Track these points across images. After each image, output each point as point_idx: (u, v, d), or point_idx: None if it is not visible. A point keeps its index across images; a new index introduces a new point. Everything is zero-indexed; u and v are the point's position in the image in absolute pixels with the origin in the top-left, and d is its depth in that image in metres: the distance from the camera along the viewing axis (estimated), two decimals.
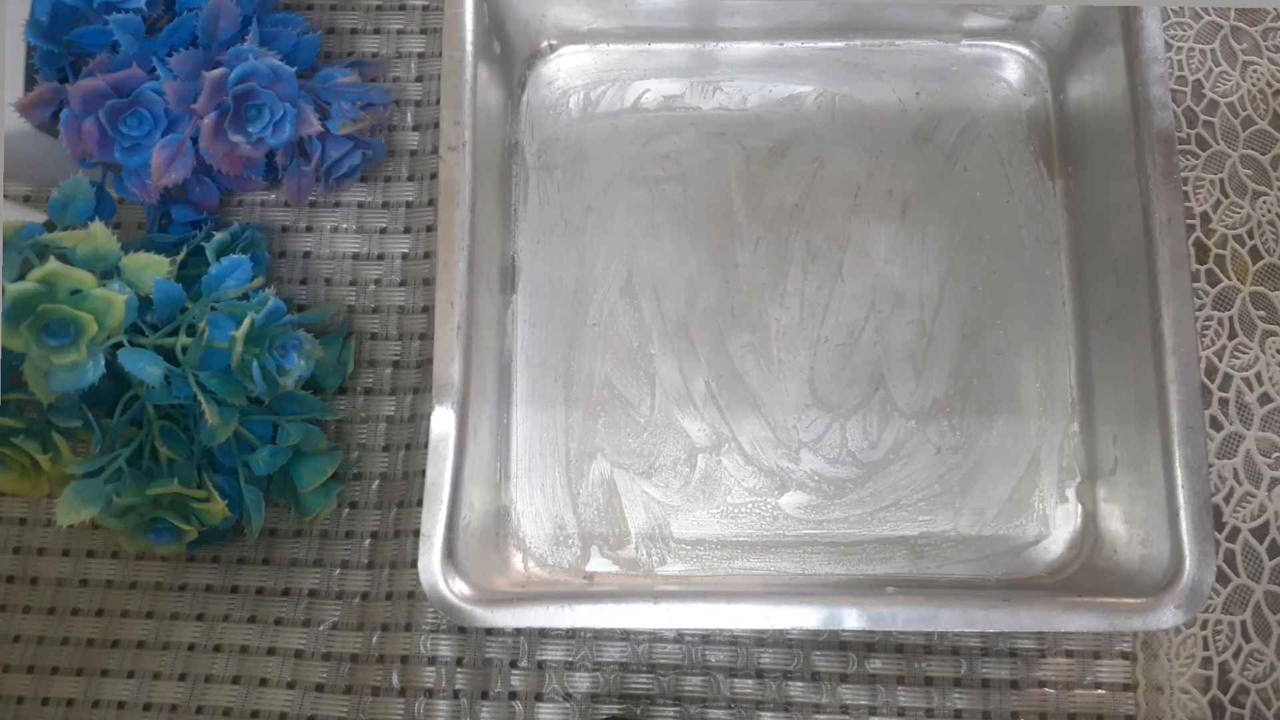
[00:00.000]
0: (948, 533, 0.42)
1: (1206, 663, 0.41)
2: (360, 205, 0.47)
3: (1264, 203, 0.45)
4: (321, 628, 0.43)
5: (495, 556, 0.42)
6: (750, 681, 0.41)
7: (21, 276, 0.35)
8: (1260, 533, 0.43)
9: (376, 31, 0.49)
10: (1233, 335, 0.44)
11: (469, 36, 0.41)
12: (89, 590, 0.44)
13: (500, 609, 0.36)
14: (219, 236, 0.42)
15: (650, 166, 0.47)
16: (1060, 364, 0.44)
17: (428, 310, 0.45)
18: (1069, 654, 0.41)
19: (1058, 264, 0.45)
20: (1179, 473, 0.36)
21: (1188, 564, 0.35)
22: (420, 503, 0.38)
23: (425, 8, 0.49)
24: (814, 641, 0.42)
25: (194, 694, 0.42)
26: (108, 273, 0.37)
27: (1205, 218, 0.45)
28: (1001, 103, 0.46)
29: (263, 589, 0.43)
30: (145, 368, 0.37)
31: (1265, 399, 0.44)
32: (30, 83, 0.41)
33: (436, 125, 0.47)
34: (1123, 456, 0.40)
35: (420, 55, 0.48)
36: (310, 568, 0.43)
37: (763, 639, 0.42)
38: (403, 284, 0.46)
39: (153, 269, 0.38)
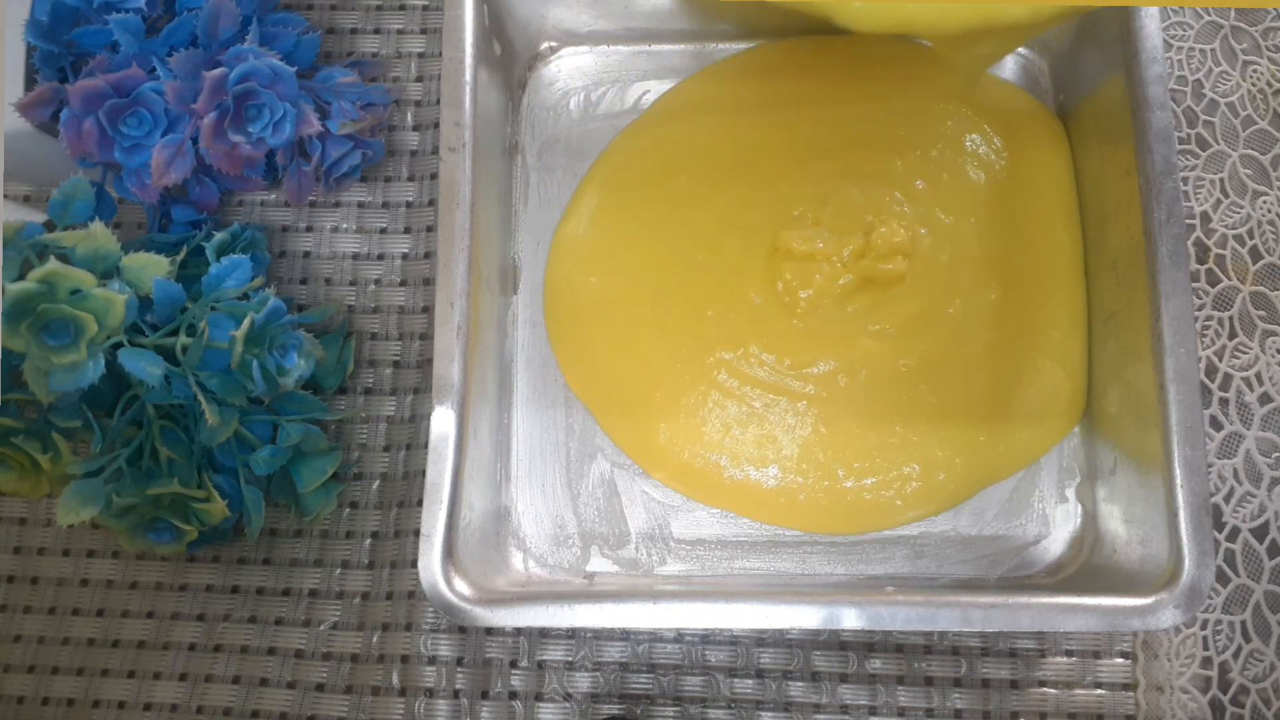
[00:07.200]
0: (947, 532, 0.42)
1: (1206, 663, 0.41)
2: (360, 205, 0.47)
3: (1264, 203, 0.45)
4: (322, 627, 0.43)
5: (495, 556, 0.42)
6: (750, 681, 0.41)
7: (21, 276, 0.35)
8: (1260, 533, 0.43)
9: (376, 31, 0.49)
10: (1233, 335, 0.44)
11: (469, 38, 0.41)
12: (89, 590, 0.44)
13: (500, 609, 0.36)
14: (219, 236, 0.42)
15: None
16: None
17: (428, 310, 0.45)
18: (1069, 654, 0.41)
19: None
20: (1179, 473, 0.36)
21: (1187, 564, 0.35)
22: (420, 503, 0.38)
23: (425, 8, 0.49)
24: (814, 641, 0.42)
25: (194, 694, 0.42)
26: (108, 273, 0.37)
27: (1205, 218, 0.45)
28: None
29: (263, 589, 0.43)
30: (145, 368, 0.37)
31: (1265, 399, 0.44)
32: (30, 83, 0.41)
33: (436, 125, 0.47)
34: (1123, 456, 0.40)
35: (420, 55, 0.48)
36: (310, 568, 0.43)
37: (763, 639, 0.42)
38: (403, 284, 0.46)
39: (153, 269, 0.38)
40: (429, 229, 0.46)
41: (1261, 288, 0.45)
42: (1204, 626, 0.42)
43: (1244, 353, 0.44)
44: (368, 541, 0.43)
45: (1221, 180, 0.46)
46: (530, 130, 0.47)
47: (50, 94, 0.40)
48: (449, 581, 0.36)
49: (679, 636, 0.42)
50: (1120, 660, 0.41)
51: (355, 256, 0.46)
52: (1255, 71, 0.47)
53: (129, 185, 0.41)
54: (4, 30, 0.37)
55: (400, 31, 0.49)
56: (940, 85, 0.45)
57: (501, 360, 0.44)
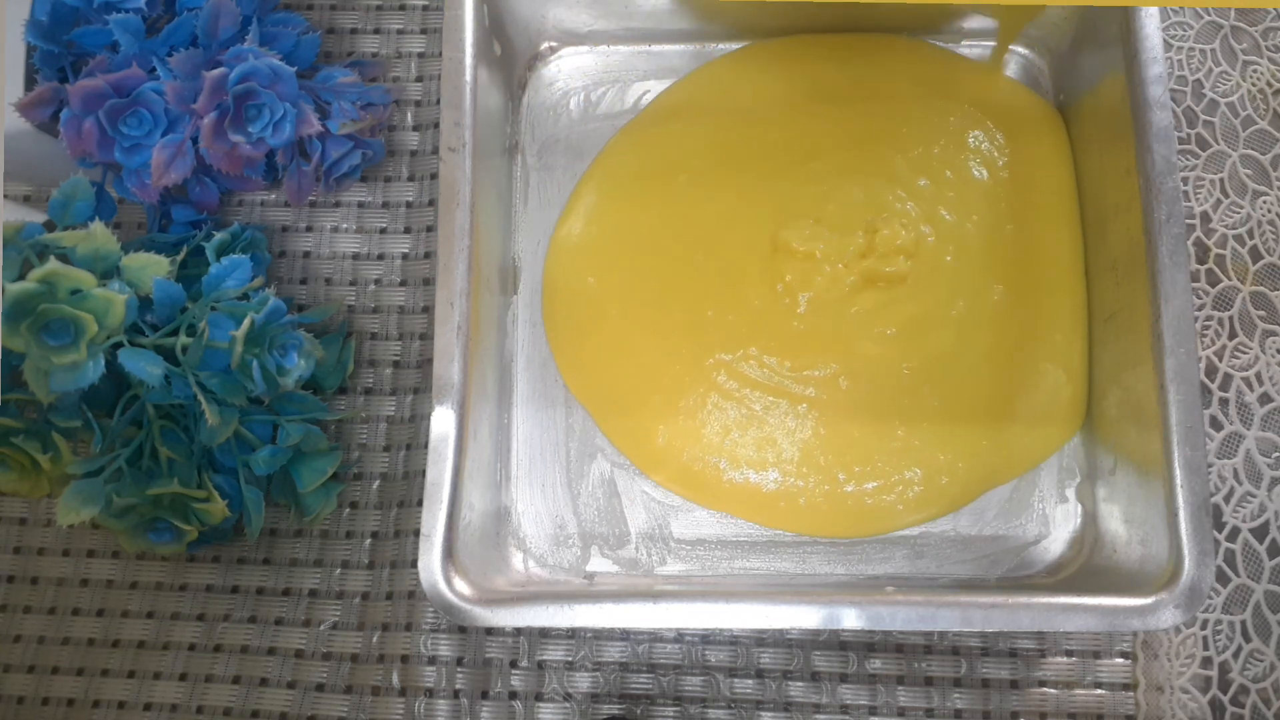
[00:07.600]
0: (947, 533, 0.42)
1: (1206, 662, 0.41)
2: (360, 205, 0.47)
3: (1264, 203, 0.45)
4: (322, 627, 0.43)
5: (495, 556, 0.42)
6: (750, 681, 0.41)
7: (21, 276, 0.35)
8: (1260, 533, 0.43)
9: (376, 31, 0.49)
10: (1233, 335, 0.44)
11: (469, 38, 0.41)
12: (89, 590, 0.44)
13: (500, 609, 0.36)
14: (219, 236, 0.42)
15: None
16: None
17: (428, 310, 0.45)
18: (1069, 654, 0.41)
19: None
20: (1178, 473, 0.36)
21: (1187, 564, 0.35)
22: (420, 503, 0.38)
23: (425, 8, 0.49)
24: (814, 641, 0.42)
25: (194, 694, 0.42)
26: (108, 273, 0.37)
27: (1205, 218, 0.45)
28: None
29: (263, 589, 0.43)
30: (145, 368, 0.37)
31: (1265, 399, 0.44)
32: (30, 83, 0.41)
33: (436, 125, 0.47)
34: (1122, 456, 0.40)
35: (420, 55, 0.48)
36: (310, 568, 0.43)
37: (763, 639, 0.42)
38: (403, 284, 0.46)
39: (153, 269, 0.38)
40: (429, 229, 0.46)
41: (1261, 288, 0.45)
42: (1204, 626, 0.42)
43: (1244, 353, 0.44)
44: (368, 541, 0.43)
45: (1221, 180, 0.46)
46: (530, 130, 0.47)
47: (50, 94, 0.40)
48: (449, 581, 0.36)
49: (679, 636, 0.42)
50: (1120, 660, 0.41)
51: (355, 256, 0.46)
52: (1255, 71, 0.47)
53: (129, 185, 0.41)
54: (4, 30, 0.37)
55: (400, 31, 0.49)
56: (941, 82, 0.45)
57: (501, 360, 0.44)
